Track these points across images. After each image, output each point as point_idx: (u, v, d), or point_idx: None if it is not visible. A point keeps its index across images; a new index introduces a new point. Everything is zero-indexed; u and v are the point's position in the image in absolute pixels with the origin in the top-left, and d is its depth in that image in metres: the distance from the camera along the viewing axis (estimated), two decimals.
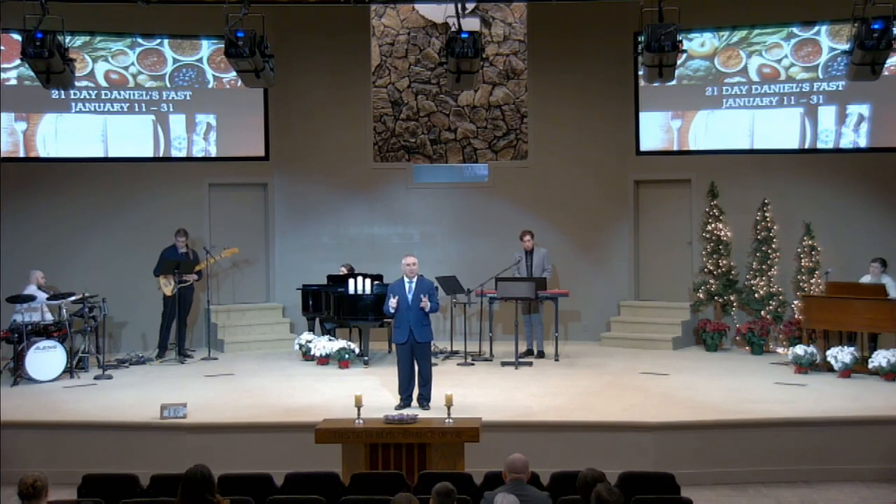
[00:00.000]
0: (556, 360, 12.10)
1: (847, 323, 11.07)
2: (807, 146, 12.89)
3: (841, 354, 10.70)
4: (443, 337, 13.00)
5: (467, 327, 12.52)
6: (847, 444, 8.72)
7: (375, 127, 14.53)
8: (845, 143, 12.74)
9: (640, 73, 11.22)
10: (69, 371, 11.14)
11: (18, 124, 13.10)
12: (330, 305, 12.16)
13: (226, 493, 5.73)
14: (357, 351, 11.92)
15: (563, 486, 6.25)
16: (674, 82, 11.26)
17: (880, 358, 10.55)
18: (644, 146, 13.67)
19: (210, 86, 13.70)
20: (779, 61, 12.97)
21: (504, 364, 11.77)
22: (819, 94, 12.77)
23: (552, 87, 13.96)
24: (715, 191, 13.25)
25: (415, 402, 9.55)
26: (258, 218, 14.14)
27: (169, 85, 13.54)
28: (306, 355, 12.12)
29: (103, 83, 13.31)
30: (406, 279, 9.55)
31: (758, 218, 13.06)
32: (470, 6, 13.36)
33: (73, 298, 11.60)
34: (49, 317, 11.53)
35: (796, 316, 12.44)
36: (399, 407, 9.38)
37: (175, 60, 13.55)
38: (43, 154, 13.24)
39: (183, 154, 13.72)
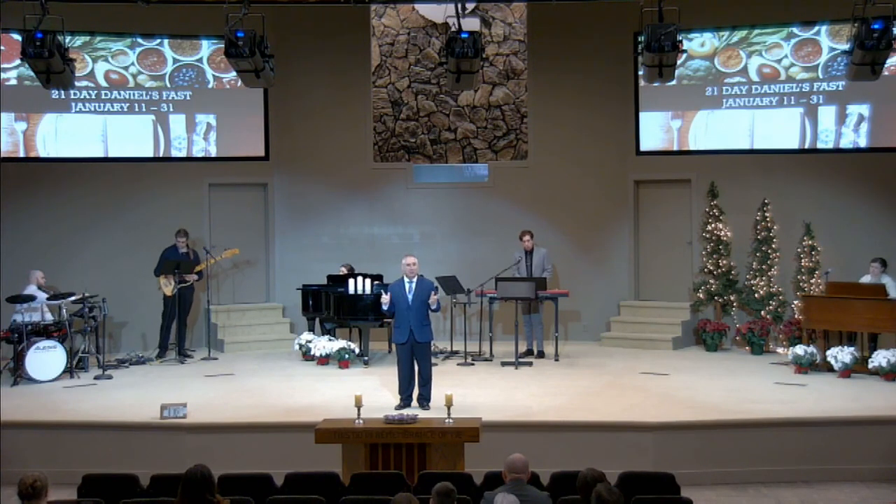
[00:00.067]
0: (556, 360, 12.10)
1: (847, 323, 11.07)
2: (807, 146, 12.89)
3: (841, 354, 10.70)
4: (443, 337, 13.00)
5: (467, 327, 12.52)
6: (847, 444, 8.72)
7: (375, 127, 14.53)
8: (845, 143, 12.74)
9: (640, 73, 11.22)
10: (69, 371, 11.14)
11: (18, 124, 13.10)
12: (330, 305, 12.16)
13: (226, 493, 5.73)
14: (357, 351, 11.92)
15: (563, 486, 6.25)
16: (674, 82, 11.26)
17: (880, 358, 10.55)
18: (644, 146, 13.67)
19: (210, 86, 13.70)
20: (779, 61, 12.97)
21: (504, 364, 11.77)
22: (819, 94, 12.77)
23: (552, 87, 13.96)
24: (715, 191, 13.25)
25: (415, 402, 9.55)
26: (258, 218, 14.14)
27: (169, 85, 13.54)
28: (306, 355, 12.12)
29: (103, 83, 13.31)
30: (406, 279, 9.55)
31: (758, 218, 13.06)
32: (470, 6, 13.36)
33: (73, 298, 11.60)
34: (49, 317, 11.53)
35: (796, 316, 12.44)
36: (399, 407, 9.38)
37: (175, 60, 13.55)
38: (43, 154, 13.24)
39: (183, 154, 13.72)
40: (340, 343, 11.94)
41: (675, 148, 13.57)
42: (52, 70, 9.76)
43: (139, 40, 13.41)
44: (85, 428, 8.99)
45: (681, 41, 9.62)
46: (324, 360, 11.86)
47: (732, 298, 13.09)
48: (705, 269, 13.25)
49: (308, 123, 14.00)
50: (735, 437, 8.73)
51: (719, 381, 10.72)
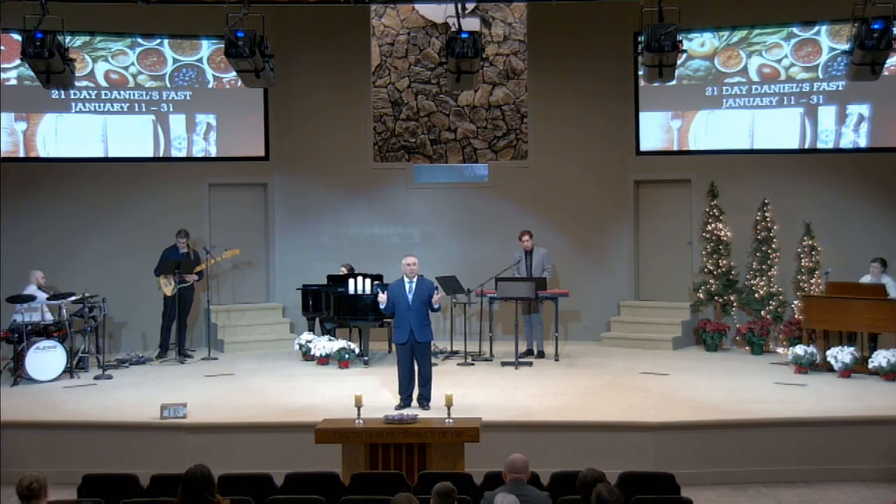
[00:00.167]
0: (556, 360, 12.10)
1: (847, 323, 11.07)
2: (807, 146, 12.89)
3: (841, 354, 10.70)
4: (443, 337, 13.00)
5: (467, 327, 12.52)
6: (847, 444, 8.72)
7: (375, 127, 14.53)
8: (845, 143, 12.74)
9: (640, 73, 11.22)
10: (69, 371, 11.14)
11: (18, 124, 13.10)
12: (330, 305, 12.16)
13: (226, 493, 5.73)
14: (357, 351, 11.92)
15: (563, 486, 6.24)
16: (674, 82, 11.26)
17: (880, 358, 10.55)
18: (644, 146, 13.67)
19: (210, 86, 13.70)
20: (779, 61, 12.97)
21: (504, 364, 11.77)
22: (819, 94, 12.77)
23: (552, 87, 13.96)
24: (715, 191, 13.25)
25: (415, 402, 9.55)
26: (258, 218, 14.14)
27: (169, 85, 13.54)
28: (306, 355, 12.12)
29: (103, 83, 13.31)
30: (406, 279, 9.55)
31: (758, 218, 13.06)
32: (470, 6, 13.36)
33: (73, 298, 11.60)
34: (49, 317, 11.53)
35: (796, 316, 12.44)
36: (399, 407, 9.38)
37: (175, 60, 13.55)
38: (43, 154, 13.24)
39: (183, 154, 13.72)
40: (340, 343, 11.94)
41: (675, 148, 13.57)
42: (52, 70, 9.76)
43: (139, 40, 13.41)
44: (85, 428, 8.99)
45: (681, 41, 9.62)
46: (324, 360, 11.86)
47: (732, 298, 13.09)
48: (705, 269, 13.25)
49: (308, 123, 14.00)
50: (735, 437, 8.73)
51: (719, 381, 10.72)
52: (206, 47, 13.60)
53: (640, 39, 10.13)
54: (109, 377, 11.20)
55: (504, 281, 11.96)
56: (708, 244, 13.26)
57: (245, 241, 13.64)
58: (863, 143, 12.67)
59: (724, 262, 13.13)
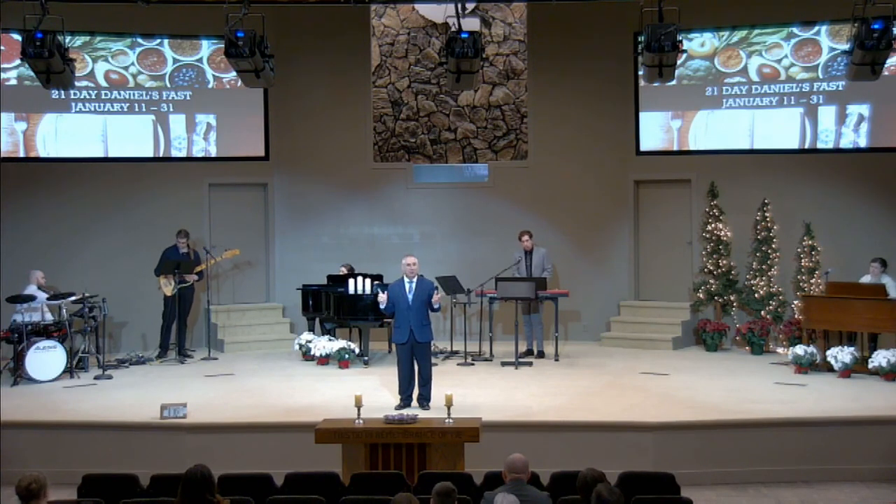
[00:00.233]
0: (556, 360, 12.10)
1: (847, 323, 11.07)
2: (807, 146, 12.89)
3: (841, 354, 10.70)
4: (443, 337, 13.00)
5: (467, 327, 12.52)
6: (847, 444, 8.72)
7: (375, 127, 14.53)
8: (845, 143, 12.74)
9: (640, 73, 11.22)
10: (69, 371, 11.14)
11: (18, 124, 13.10)
12: (330, 305, 12.17)
13: (226, 493, 5.73)
14: (357, 351, 11.92)
15: (563, 486, 6.24)
16: (674, 82, 11.26)
17: (880, 358, 10.55)
18: (644, 146, 13.67)
19: (210, 86, 13.70)
20: (779, 61, 12.97)
21: (504, 364, 11.77)
22: (819, 94, 12.77)
23: (552, 87, 13.96)
24: (715, 191, 13.25)
25: (415, 402, 9.55)
26: (258, 218, 14.14)
27: (169, 85, 13.54)
28: (306, 355, 12.12)
29: (103, 83, 13.31)
30: (406, 279, 9.55)
31: (758, 218, 13.06)
32: (470, 6, 13.36)
33: (73, 298, 11.60)
34: (49, 317, 11.53)
35: (796, 316, 12.44)
36: (399, 407, 9.38)
37: (175, 60, 13.55)
38: (43, 154, 13.24)
39: (183, 154, 13.72)
40: (340, 343, 11.94)
41: (675, 148, 13.57)
42: (52, 70, 9.76)
43: (139, 40, 13.41)
44: (85, 428, 8.99)
45: (681, 41, 9.62)
46: (324, 360, 11.86)
47: (732, 298, 13.09)
48: (705, 269, 13.25)
49: (308, 123, 13.99)
50: (735, 437, 8.73)
51: (719, 381, 10.72)
52: (206, 47, 13.60)
53: (640, 39, 10.13)
54: (109, 377, 11.20)
55: (504, 281, 11.96)
56: (708, 244, 13.26)
57: (245, 241, 13.64)
58: (863, 143, 12.67)
59: (724, 262, 13.13)
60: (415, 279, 9.54)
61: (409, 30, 14.70)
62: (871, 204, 12.67)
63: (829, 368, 10.83)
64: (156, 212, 13.44)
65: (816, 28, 12.75)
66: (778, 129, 13.00)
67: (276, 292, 14.01)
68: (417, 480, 6.52)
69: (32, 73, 10.23)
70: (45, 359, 10.90)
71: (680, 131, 13.51)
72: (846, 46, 9.76)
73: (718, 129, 13.29)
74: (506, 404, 9.62)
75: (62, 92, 12.50)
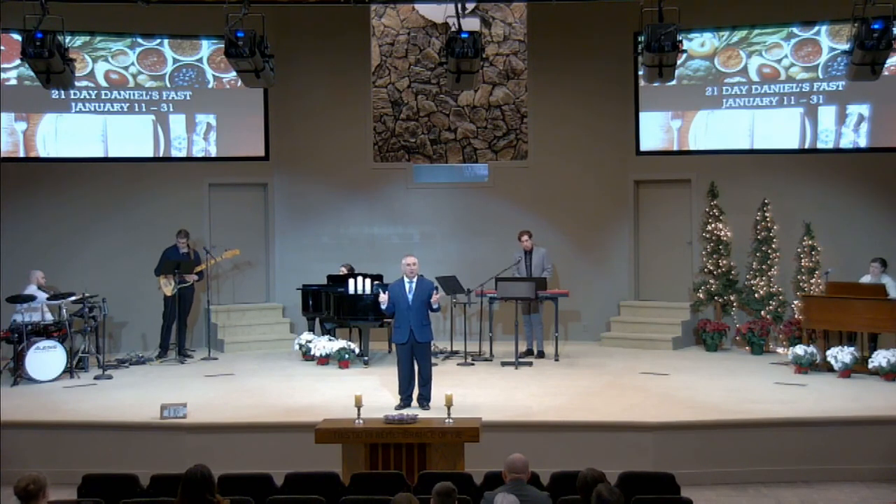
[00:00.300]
0: (556, 360, 12.10)
1: (847, 323, 11.06)
2: (807, 146, 12.89)
3: (841, 354, 10.70)
4: (443, 337, 13.00)
5: (467, 327, 12.52)
6: (847, 444, 8.72)
7: (375, 127, 14.53)
8: (845, 143, 12.74)
9: (640, 73, 11.22)
10: (69, 371, 11.14)
11: (18, 124, 13.10)
12: (330, 305, 12.17)
13: (226, 493, 5.73)
14: (357, 351, 11.92)
15: (563, 486, 6.24)
16: (674, 82, 11.26)
17: (880, 358, 10.55)
18: (644, 146, 13.67)
19: (210, 86, 13.70)
20: (779, 61, 12.97)
21: (504, 364, 11.77)
22: (819, 94, 12.77)
23: (552, 87, 13.96)
24: (715, 191, 13.25)
25: (415, 402, 9.55)
26: (258, 218, 14.14)
27: (169, 85, 13.54)
28: (306, 355, 12.12)
29: (103, 83, 13.31)
30: (406, 279, 9.55)
31: (758, 218, 13.06)
32: (470, 6, 13.36)
33: (73, 298, 11.60)
34: (49, 317, 11.53)
35: (796, 316, 12.44)
36: (399, 407, 9.38)
37: (175, 60, 13.55)
38: (43, 154, 13.24)
39: (183, 154, 13.72)
40: (340, 343, 11.94)
41: (675, 148, 13.57)
42: (52, 70, 9.76)
43: (139, 40, 13.41)
44: (85, 428, 8.99)
45: (681, 41, 9.62)
46: (324, 360, 11.86)
47: (732, 298, 13.09)
48: (705, 269, 13.25)
49: (308, 123, 14.00)
50: (735, 437, 8.73)
51: (719, 381, 10.72)
52: (206, 47, 13.60)
53: (640, 39, 10.13)
54: (109, 377, 11.20)
55: (504, 281, 11.96)
56: (708, 244, 13.26)
57: (245, 241, 13.64)
58: (863, 143, 12.67)
59: (724, 262, 13.13)
60: (415, 279, 9.54)
61: (409, 30, 14.70)
62: (871, 204, 12.67)
63: (829, 368, 10.83)
64: (156, 212, 13.44)
65: (816, 28, 12.75)
66: (778, 129, 13.00)
67: (276, 292, 14.01)
68: (417, 480, 6.52)
69: (32, 73, 10.22)
70: (45, 359, 10.90)
71: (680, 131, 13.51)
72: (846, 46, 9.76)
73: (718, 129, 13.29)
74: (506, 404, 9.62)
75: (62, 92, 12.51)
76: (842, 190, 12.81)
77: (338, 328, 12.54)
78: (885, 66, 9.94)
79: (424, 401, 9.52)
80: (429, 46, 14.69)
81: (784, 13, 12.81)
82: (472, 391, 10.15)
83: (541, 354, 12.40)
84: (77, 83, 11.54)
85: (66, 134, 13.27)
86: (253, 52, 9.62)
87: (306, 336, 12.32)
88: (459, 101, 14.68)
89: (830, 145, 12.80)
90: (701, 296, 13.21)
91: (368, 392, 9.37)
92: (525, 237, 12.60)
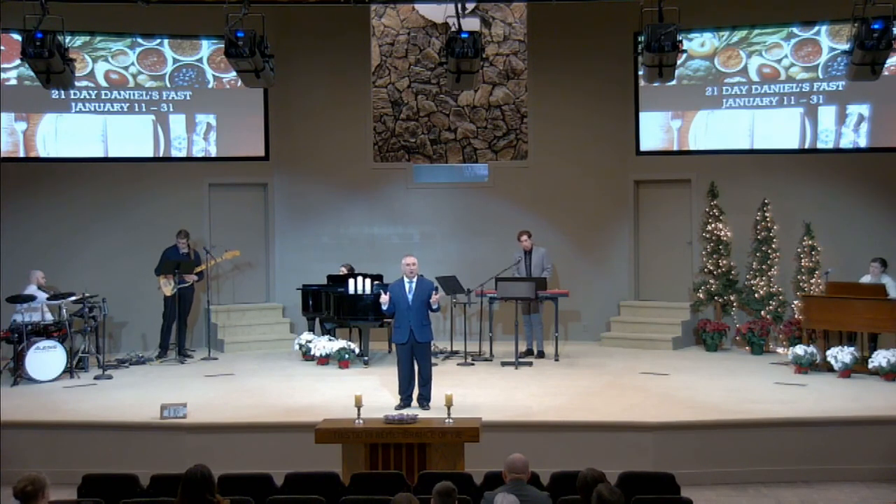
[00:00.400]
0: (556, 360, 12.10)
1: (847, 323, 11.06)
2: (807, 146, 12.89)
3: (841, 354, 10.70)
4: (443, 337, 13.00)
5: (467, 327, 12.52)
6: (847, 444, 8.72)
7: (375, 127, 14.53)
8: (845, 143, 12.74)
9: (640, 73, 11.22)
10: (69, 371, 11.14)
11: (18, 124, 13.10)
12: (330, 305, 12.17)
13: (226, 493, 5.73)
14: (357, 351, 11.92)
15: (563, 486, 6.25)
16: (674, 82, 11.25)
17: (880, 358, 10.55)
18: (644, 146, 13.67)
19: (210, 86, 13.70)
20: (779, 61, 12.97)
21: (504, 364, 11.77)
22: (819, 94, 12.77)
23: (552, 87, 13.96)
24: (715, 191, 13.25)
25: (415, 402, 9.55)
26: (258, 218, 14.14)
27: (169, 85, 13.54)
28: (306, 355, 12.12)
29: (103, 83, 13.31)
30: (406, 279, 9.55)
31: (758, 218, 13.06)
32: (470, 6, 13.36)
33: (73, 298, 11.60)
34: (49, 317, 11.53)
35: (796, 316, 12.44)
36: (399, 407, 9.38)
37: (175, 60, 13.55)
38: (43, 154, 13.24)
39: (183, 154, 13.72)
40: (340, 343, 11.94)
41: (675, 148, 13.57)
42: (52, 70, 9.76)
43: (139, 40, 13.41)
44: (85, 428, 8.99)
45: (681, 41, 9.62)
46: (324, 360, 11.86)
47: (732, 298, 13.09)
48: (705, 269, 13.25)
49: (308, 123, 14.00)
50: (735, 437, 8.73)
51: (719, 381, 10.72)
52: (206, 47, 13.60)
53: (640, 39, 10.13)
54: (109, 377, 11.20)
55: (504, 281, 11.96)
56: (708, 244, 13.26)
57: (245, 241, 13.64)
58: (863, 143, 12.67)
59: (724, 262, 13.13)
60: (415, 279, 9.54)
61: (409, 30, 14.70)
62: (871, 204, 12.67)
63: (829, 368, 10.83)
64: (156, 212, 13.44)
65: (816, 28, 12.75)
66: (778, 129, 13.00)
67: (276, 292, 14.01)
68: (417, 480, 6.52)
69: (32, 73, 10.22)
70: (45, 359, 10.90)
71: (680, 131, 13.51)
72: (846, 46, 9.76)
73: (718, 129, 13.29)
74: (506, 404, 9.62)
75: (62, 92, 12.50)
76: (842, 190, 12.81)
77: (338, 328, 12.54)
78: (885, 66, 9.94)
79: (424, 401, 9.52)
80: (429, 46, 14.69)
81: (784, 13, 12.81)
82: (472, 391, 10.15)
83: (541, 354, 12.40)
84: (77, 83, 11.54)
85: (66, 134, 13.27)
86: (253, 52, 9.62)
87: (306, 336, 12.32)
88: (459, 101, 14.68)
89: (830, 145, 12.80)
90: (701, 296, 13.21)
91: (368, 392, 9.37)
92: (525, 237, 12.60)
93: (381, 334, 12.75)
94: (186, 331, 12.80)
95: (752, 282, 12.97)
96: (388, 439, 7.29)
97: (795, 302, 12.61)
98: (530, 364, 11.85)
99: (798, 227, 12.86)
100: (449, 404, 7.48)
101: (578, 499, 5.43)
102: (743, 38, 13.10)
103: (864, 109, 12.60)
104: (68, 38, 10.99)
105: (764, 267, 12.92)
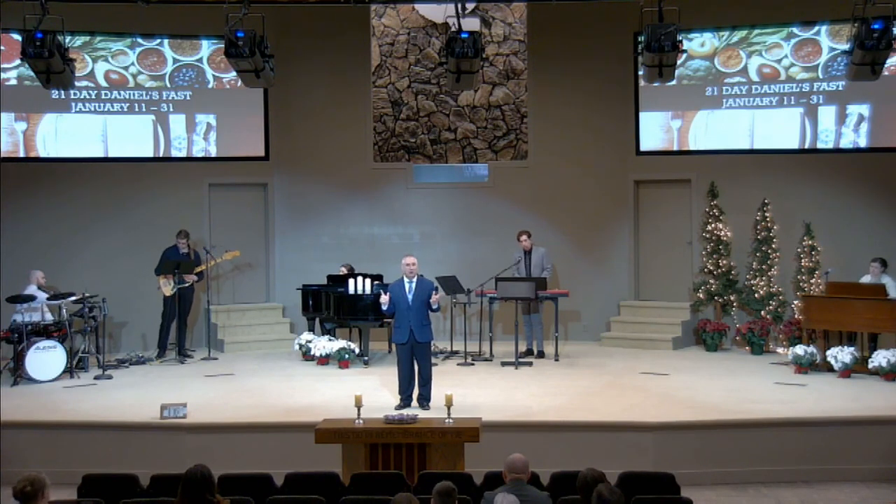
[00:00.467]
0: (556, 360, 12.10)
1: (847, 323, 11.06)
2: (807, 146, 12.89)
3: (841, 354, 10.70)
4: (443, 337, 13.00)
5: (467, 327, 12.52)
6: (847, 444, 8.72)
7: (375, 127, 14.53)
8: (845, 143, 12.74)
9: (640, 73, 11.22)
10: (69, 371, 11.14)
11: (18, 124, 13.10)
12: (330, 305, 12.17)
13: (226, 493, 5.73)
14: (357, 351, 11.92)
15: (563, 486, 6.25)
16: (674, 82, 11.26)
17: (880, 358, 10.55)
18: (644, 146, 13.67)
19: (210, 86, 13.70)
20: (779, 61, 12.97)
21: (504, 364, 11.77)
22: (819, 94, 12.78)
23: (552, 87, 13.96)
24: (715, 191, 13.25)
25: (415, 402, 9.55)
26: (258, 218, 14.14)
27: (169, 85, 13.54)
28: (306, 355, 12.12)
29: (103, 83, 13.31)
30: (406, 279, 9.55)
31: (758, 218, 13.06)
32: (470, 6, 13.36)
33: (73, 298, 11.60)
34: (49, 317, 11.53)
35: (796, 316, 12.44)
36: (399, 407, 9.38)
37: (175, 60, 13.55)
38: (43, 154, 13.24)
39: (183, 154, 13.72)
40: (340, 343, 11.94)
41: (675, 148, 13.57)
42: (52, 70, 9.76)
43: (139, 40, 13.41)
44: (85, 428, 8.99)
45: (681, 41, 9.62)
46: (324, 360, 11.86)
47: (732, 298, 13.09)
48: (705, 269, 13.25)
49: (308, 123, 14.00)
50: (735, 437, 8.73)
51: (719, 381, 10.72)
52: (206, 47, 13.60)
53: (640, 39, 10.13)
54: (109, 377, 11.20)
55: (504, 281, 11.96)
56: (708, 244, 13.26)
57: (245, 241, 13.64)
58: (863, 143, 12.67)
59: (724, 262, 13.13)
60: (414, 279, 9.54)
61: (409, 30, 14.70)
62: (871, 204, 12.67)
63: (829, 368, 10.83)
64: (156, 212, 13.44)
65: (816, 28, 12.75)
66: (778, 129, 13.00)
67: (276, 292, 14.01)
68: (417, 480, 6.52)
69: (32, 73, 10.23)
70: (45, 359, 10.90)
71: (680, 131, 13.51)
72: (846, 46, 9.76)
73: (718, 129, 13.29)
74: (506, 404, 9.62)
75: (62, 92, 12.51)
76: (842, 190, 12.81)
77: (338, 328, 12.54)
78: (885, 66, 9.94)
79: (424, 401, 9.52)
80: (429, 46, 14.69)
81: (784, 13, 12.81)
82: (472, 391, 10.15)
83: (541, 354, 12.40)
84: (77, 83, 11.55)
85: (66, 134, 13.27)
86: (253, 52, 9.63)
87: (306, 336, 12.32)
88: (459, 101, 14.68)
89: (830, 145, 12.80)
90: (701, 296, 13.21)
91: (368, 392, 9.37)
92: (524, 237, 12.60)
93: (381, 334, 12.75)
94: (186, 331, 12.80)
95: (752, 282, 12.97)
96: (388, 439, 7.29)
97: (795, 302, 12.61)
98: (530, 364, 11.85)
99: (798, 227, 12.86)
100: (449, 404, 7.48)
101: (578, 499, 5.43)
102: (743, 38, 13.10)
103: (864, 109, 12.60)
104: (68, 38, 10.99)
105: (764, 267, 12.92)
